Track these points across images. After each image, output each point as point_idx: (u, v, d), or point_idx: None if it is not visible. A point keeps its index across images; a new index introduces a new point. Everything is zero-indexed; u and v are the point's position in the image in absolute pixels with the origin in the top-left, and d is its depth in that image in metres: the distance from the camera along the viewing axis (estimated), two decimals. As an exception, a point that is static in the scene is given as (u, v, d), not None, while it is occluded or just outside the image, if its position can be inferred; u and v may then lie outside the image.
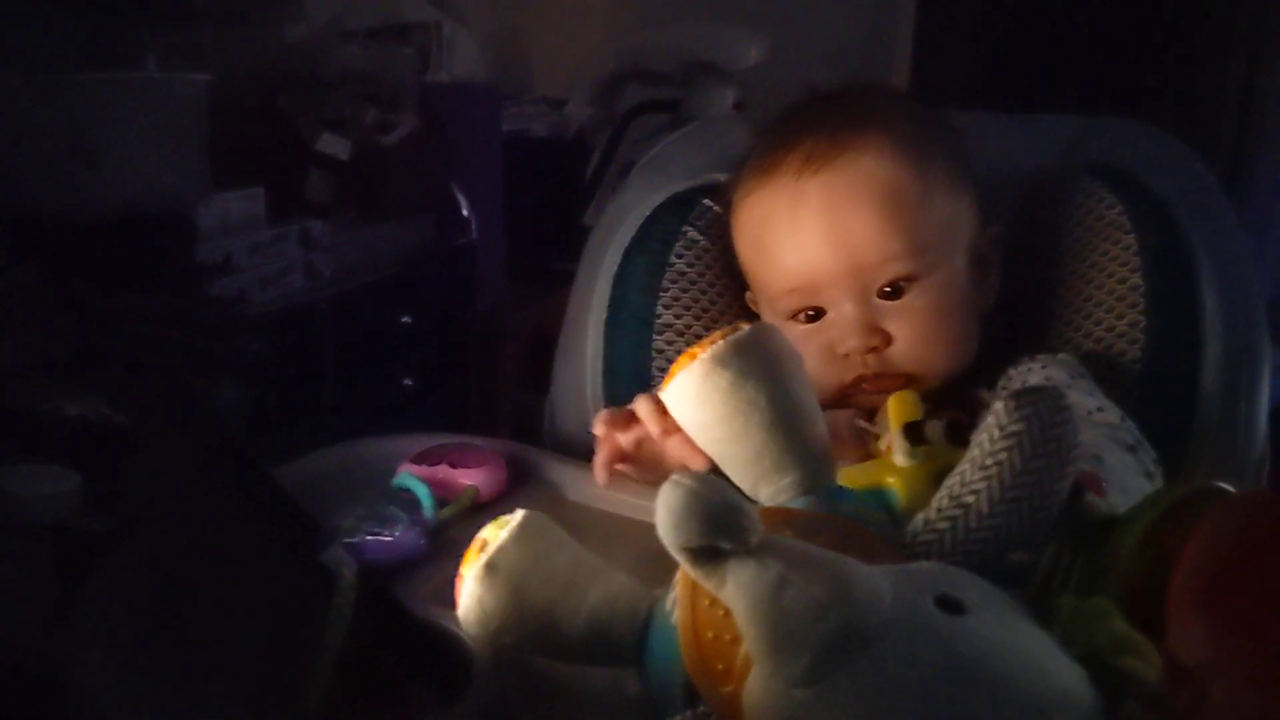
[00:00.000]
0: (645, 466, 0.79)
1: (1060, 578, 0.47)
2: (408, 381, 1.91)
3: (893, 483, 0.58)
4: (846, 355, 0.83)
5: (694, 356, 0.52)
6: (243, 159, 1.71)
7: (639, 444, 0.78)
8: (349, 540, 0.70)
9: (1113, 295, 0.87)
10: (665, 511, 0.41)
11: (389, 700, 0.49)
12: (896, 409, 0.62)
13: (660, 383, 0.94)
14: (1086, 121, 0.99)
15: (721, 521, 0.40)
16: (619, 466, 0.80)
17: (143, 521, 0.52)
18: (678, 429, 0.75)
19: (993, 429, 0.48)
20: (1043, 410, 0.47)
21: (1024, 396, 0.48)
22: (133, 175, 1.42)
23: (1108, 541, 0.47)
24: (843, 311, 0.83)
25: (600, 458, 0.79)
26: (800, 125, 0.87)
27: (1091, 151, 0.96)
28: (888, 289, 0.82)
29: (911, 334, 0.82)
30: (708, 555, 0.40)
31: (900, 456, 0.59)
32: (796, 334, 0.85)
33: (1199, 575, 0.45)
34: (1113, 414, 0.77)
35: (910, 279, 0.82)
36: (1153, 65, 2.43)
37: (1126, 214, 0.88)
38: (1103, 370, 0.85)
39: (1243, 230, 0.91)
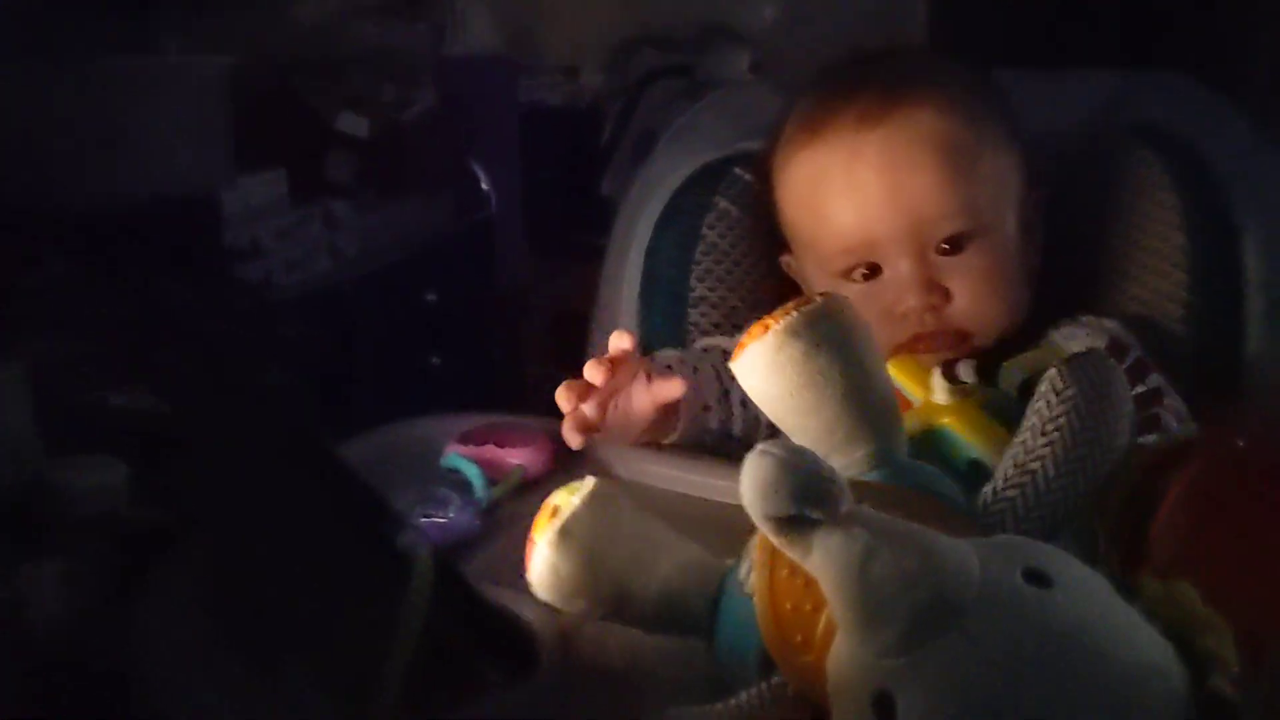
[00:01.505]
0: (615, 428, 0.78)
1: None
2: (435, 360, 1.91)
3: (947, 422, 0.59)
4: (904, 314, 0.82)
5: (767, 327, 0.52)
6: (263, 141, 1.71)
7: (603, 408, 0.76)
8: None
9: (1157, 254, 0.87)
10: (753, 480, 0.40)
11: (463, 680, 0.50)
12: (901, 369, 0.63)
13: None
14: (1122, 77, 0.98)
15: (811, 490, 0.40)
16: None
17: (211, 510, 0.52)
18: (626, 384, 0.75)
19: (1049, 395, 0.48)
20: (1092, 372, 0.48)
21: (1074, 360, 0.49)
22: (159, 161, 1.42)
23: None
24: (900, 269, 0.82)
25: (567, 424, 0.76)
26: (849, 83, 0.86)
27: (1131, 109, 0.95)
28: (946, 246, 0.82)
29: (970, 291, 0.82)
30: (795, 525, 0.40)
31: (942, 395, 0.59)
32: (851, 293, 0.82)
33: (1184, 512, 0.46)
34: (1158, 380, 0.77)
35: (968, 236, 0.82)
36: (1176, 11, 2.39)
37: (1169, 174, 0.87)
38: (1146, 332, 0.85)
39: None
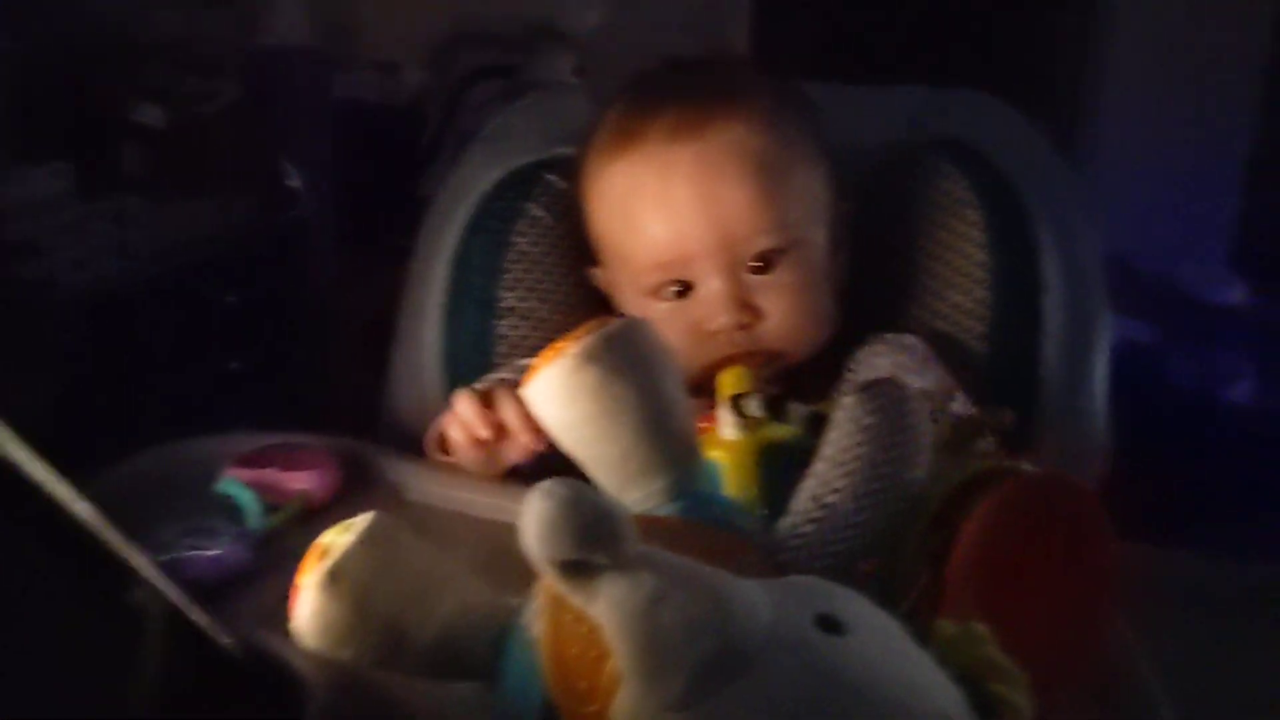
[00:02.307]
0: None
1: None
2: (235, 365, 1.81)
3: (719, 456, 0.57)
4: (715, 333, 0.80)
5: (560, 350, 0.49)
6: (48, 132, 1.59)
7: (496, 430, 0.76)
8: (167, 557, 0.65)
9: (959, 272, 0.88)
10: (534, 522, 0.37)
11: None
12: (729, 383, 0.61)
13: (501, 369, 0.91)
14: (930, 94, 0.99)
15: (595, 533, 0.37)
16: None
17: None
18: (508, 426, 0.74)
19: (845, 424, 0.47)
20: (890, 402, 0.47)
21: (872, 389, 0.47)
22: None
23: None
24: (712, 286, 0.80)
25: (467, 448, 0.76)
26: (663, 94, 0.84)
27: (937, 125, 0.96)
28: (758, 263, 0.80)
29: (782, 309, 0.81)
30: (578, 569, 0.37)
31: (728, 429, 0.58)
32: (662, 311, 0.81)
33: (974, 551, 0.46)
34: (957, 403, 0.77)
35: (780, 252, 0.81)
36: (987, 34, 2.50)
37: (973, 190, 0.89)
38: (949, 347, 0.86)
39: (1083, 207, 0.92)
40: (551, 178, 0.95)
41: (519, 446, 0.75)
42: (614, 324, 0.50)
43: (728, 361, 0.78)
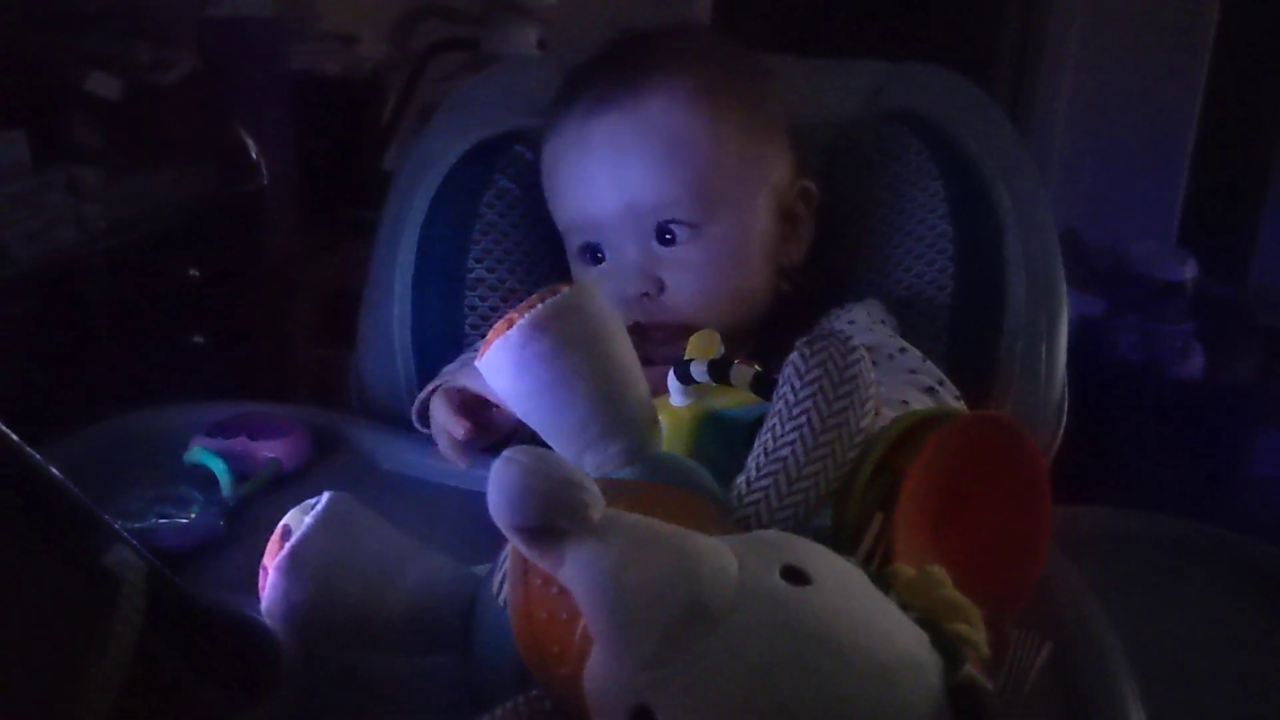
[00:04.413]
0: (481, 437, 0.76)
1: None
2: (198, 339, 1.79)
3: (663, 421, 0.57)
4: (625, 301, 0.82)
5: (511, 322, 0.49)
6: (-1, 101, 1.55)
7: (476, 423, 0.75)
8: (138, 525, 0.65)
9: (922, 242, 0.89)
10: (498, 491, 0.38)
11: (186, 708, 0.45)
12: (695, 348, 0.62)
13: (472, 340, 0.91)
14: (887, 67, 1.00)
15: (560, 499, 0.38)
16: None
17: None
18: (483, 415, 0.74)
19: (793, 379, 0.47)
20: (834, 353, 0.47)
21: (816, 343, 0.48)
22: None
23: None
24: (621, 254, 0.84)
25: (451, 451, 0.75)
26: (597, 66, 0.86)
27: (894, 98, 0.96)
28: (666, 236, 0.82)
29: (685, 283, 0.82)
30: (545, 535, 0.38)
31: (675, 396, 0.59)
32: (588, 276, 0.86)
33: (918, 495, 0.47)
34: (913, 357, 0.79)
35: (690, 225, 0.82)
36: (935, 9, 2.52)
37: (933, 160, 0.89)
38: (913, 317, 0.87)
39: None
40: (519, 149, 0.95)
41: (494, 426, 0.75)
42: (563, 292, 0.50)
43: (637, 329, 0.81)
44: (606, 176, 0.82)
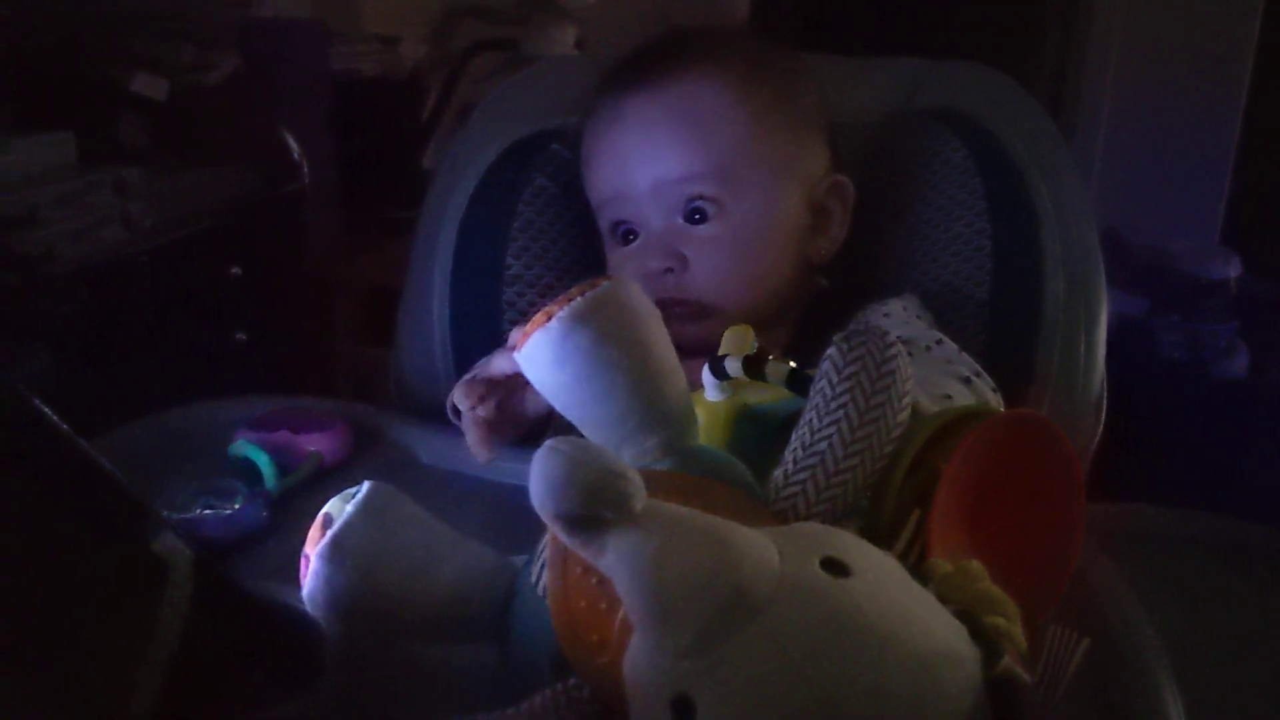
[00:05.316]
0: (507, 428, 0.75)
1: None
2: (240, 336, 1.81)
3: (699, 416, 0.57)
4: (649, 277, 0.83)
5: (550, 315, 0.50)
6: (47, 101, 1.58)
7: (500, 408, 0.74)
8: (183, 516, 0.66)
9: (960, 239, 0.88)
10: (542, 480, 0.38)
11: (232, 692, 0.45)
12: (730, 343, 0.62)
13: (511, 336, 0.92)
14: (927, 65, 1.00)
15: (603, 489, 0.38)
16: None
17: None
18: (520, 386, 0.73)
19: (830, 374, 0.48)
20: (871, 348, 0.47)
21: (853, 338, 0.48)
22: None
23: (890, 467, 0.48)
24: (649, 230, 0.85)
25: (475, 438, 0.74)
26: (635, 55, 0.88)
27: (934, 96, 0.96)
28: (692, 213, 0.83)
29: (706, 262, 0.83)
30: (586, 524, 0.38)
31: (710, 391, 0.59)
32: (620, 256, 0.87)
33: (955, 491, 0.47)
34: (949, 349, 0.78)
35: (715, 203, 0.83)
36: (978, 6, 2.50)
37: (972, 158, 0.89)
38: (950, 313, 0.87)
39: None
40: (556, 147, 0.96)
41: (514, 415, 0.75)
42: (602, 285, 0.50)
43: (659, 305, 0.80)
44: (636, 151, 0.84)
